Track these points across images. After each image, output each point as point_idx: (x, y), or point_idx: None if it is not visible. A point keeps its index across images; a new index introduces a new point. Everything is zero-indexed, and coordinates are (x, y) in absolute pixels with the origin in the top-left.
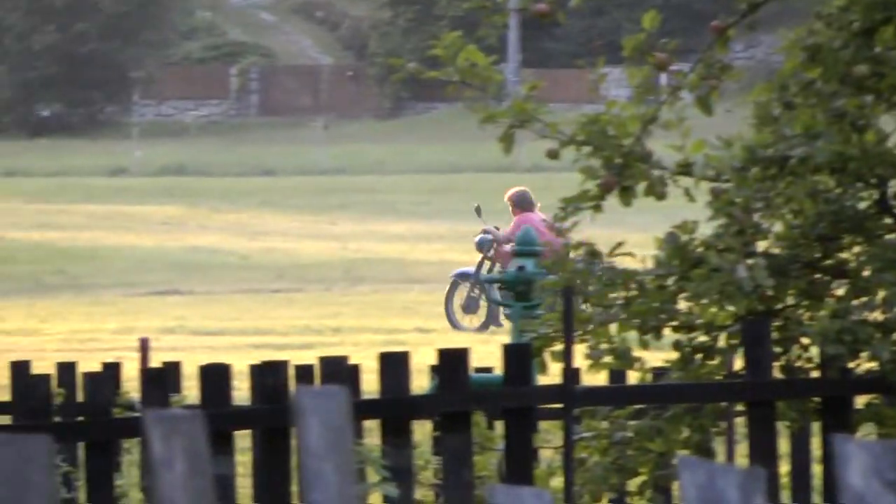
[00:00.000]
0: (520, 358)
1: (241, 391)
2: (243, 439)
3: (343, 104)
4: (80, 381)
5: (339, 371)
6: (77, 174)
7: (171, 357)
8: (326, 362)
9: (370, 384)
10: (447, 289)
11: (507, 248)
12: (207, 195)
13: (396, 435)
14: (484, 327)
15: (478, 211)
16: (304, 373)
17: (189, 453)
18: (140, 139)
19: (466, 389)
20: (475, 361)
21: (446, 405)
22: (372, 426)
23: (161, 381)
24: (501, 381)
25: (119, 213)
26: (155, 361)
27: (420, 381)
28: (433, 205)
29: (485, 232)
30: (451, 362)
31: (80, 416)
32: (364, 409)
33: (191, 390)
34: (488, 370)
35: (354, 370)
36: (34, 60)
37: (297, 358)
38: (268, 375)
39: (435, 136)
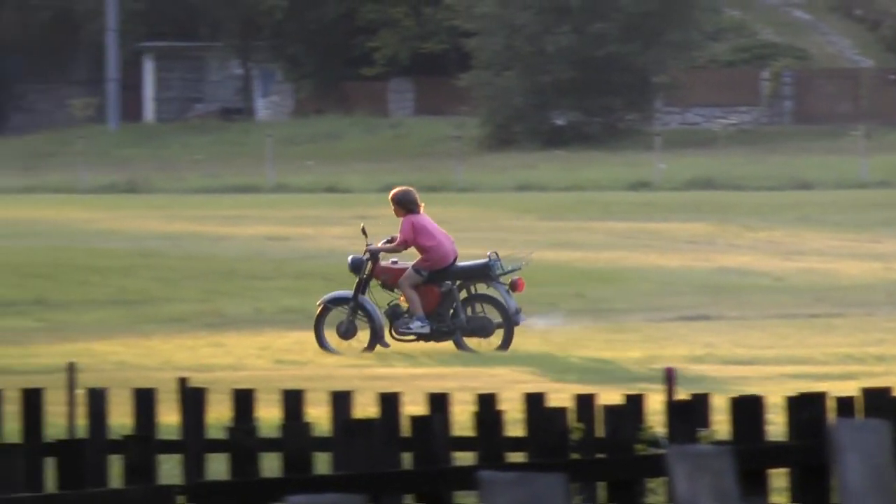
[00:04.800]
0: None
1: (776, 426)
2: (779, 478)
3: (886, 110)
4: (599, 414)
5: (883, 404)
6: (595, 188)
7: (699, 388)
8: (869, 394)
9: None
10: (316, 315)
11: (389, 262)
12: (738, 211)
13: None
14: (370, 349)
15: (364, 232)
16: (845, 405)
17: (717, 492)
18: (664, 150)
19: None
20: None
21: None
22: None
23: (689, 414)
24: None
25: (642, 230)
26: (682, 393)
27: None
28: None
29: (370, 252)
30: None
31: (600, 452)
32: None
33: (721, 425)
34: None
35: None
36: (548, 64)
37: (836, 389)
38: (804, 408)
39: None
